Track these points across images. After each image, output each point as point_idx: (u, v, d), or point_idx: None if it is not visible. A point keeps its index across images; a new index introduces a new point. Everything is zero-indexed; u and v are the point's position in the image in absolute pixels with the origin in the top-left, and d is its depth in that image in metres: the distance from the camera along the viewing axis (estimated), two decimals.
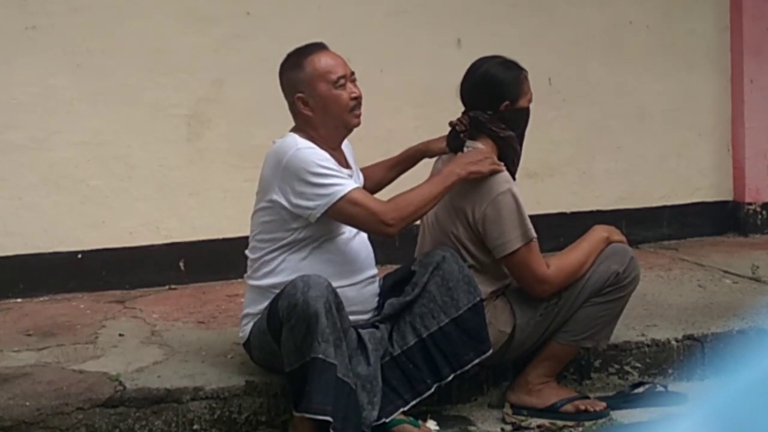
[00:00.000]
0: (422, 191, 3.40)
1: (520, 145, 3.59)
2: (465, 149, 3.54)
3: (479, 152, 3.48)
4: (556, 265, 3.51)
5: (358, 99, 3.43)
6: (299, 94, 3.42)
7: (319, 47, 3.47)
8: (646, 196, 5.73)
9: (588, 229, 3.68)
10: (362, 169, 3.72)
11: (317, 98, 3.40)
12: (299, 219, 3.34)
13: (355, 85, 3.45)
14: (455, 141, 3.57)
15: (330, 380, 3.09)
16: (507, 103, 3.50)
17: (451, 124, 3.59)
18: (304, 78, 3.41)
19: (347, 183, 3.32)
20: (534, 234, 3.46)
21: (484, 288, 3.49)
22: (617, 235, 3.66)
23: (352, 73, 3.46)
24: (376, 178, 3.75)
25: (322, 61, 3.42)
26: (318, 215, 3.30)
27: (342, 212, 3.30)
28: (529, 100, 3.57)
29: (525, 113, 3.56)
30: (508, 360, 3.62)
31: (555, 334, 3.57)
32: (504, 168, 3.48)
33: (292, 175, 3.29)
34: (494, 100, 3.50)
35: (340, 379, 3.12)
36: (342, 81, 3.40)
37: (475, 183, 3.46)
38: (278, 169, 3.32)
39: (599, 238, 3.60)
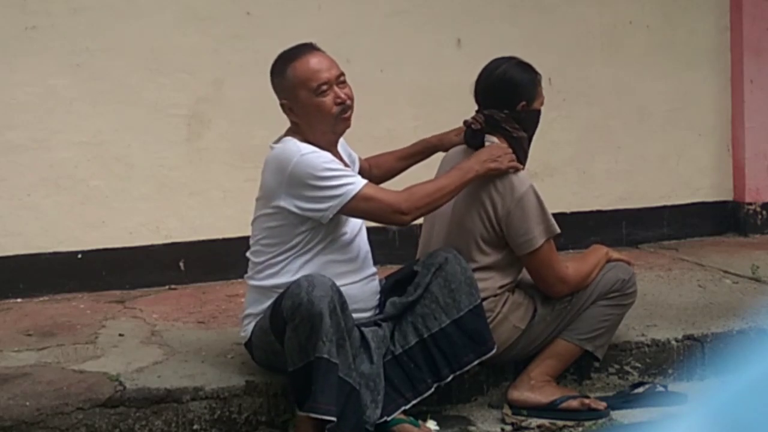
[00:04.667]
0: (438, 183, 3.42)
1: (528, 147, 3.64)
2: (485, 144, 3.56)
3: (498, 148, 3.51)
4: (573, 267, 3.62)
5: (344, 103, 3.35)
6: (283, 101, 3.40)
7: (305, 50, 3.41)
8: (646, 196, 5.73)
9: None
10: (372, 158, 3.74)
11: (300, 106, 3.36)
12: (308, 222, 3.33)
13: (344, 88, 3.37)
14: (473, 139, 3.58)
15: (333, 380, 3.10)
16: (524, 103, 3.55)
17: (465, 123, 3.61)
18: (287, 86, 3.38)
19: (357, 181, 3.31)
20: (557, 229, 3.53)
21: (494, 283, 3.54)
22: (617, 253, 3.79)
23: (340, 75, 3.38)
24: (386, 167, 3.73)
25: (304, 67, 3.35)
26: (330, 216, 3.30)
27: (356, 209, 3.31)
28: (541, 103, 3.64)
29: (537, 115, 3.63)
30: (513, 357, 3.64)
31: (561, 333, 3.63)
32: (522, 166, 3.55)
33: (300, 182, 3.27)
34: (511, 100, 3.55)
35: (342, 379, 3.13)
36: (324, 87, 3.33)
37: (496, 181, 3.49)
38: (283, 177, 3.29)
39: (602, 252, 3.74)
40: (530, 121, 3.60)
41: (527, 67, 3.61)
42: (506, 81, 3.55)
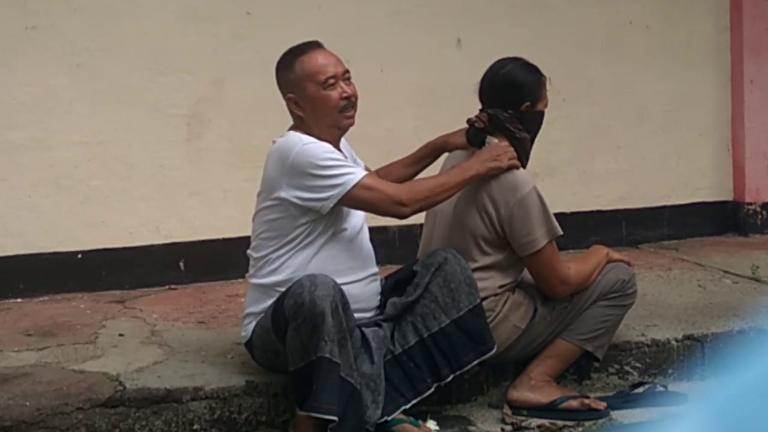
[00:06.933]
0: (439, 180, 3.44)
1: (531, 148, 3.65)
2: (486, 143, 3.56)
3: (498, 147, 3.52)
4: (574, 268, 3.62)
5: (349, 98, 3.40)
6: (290, 95, 3.43)
7: (312, 46, 3.46)
8: (646, 196, 5.73)
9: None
10: (381, 169, 3.73)
11: (307, 99, 3.39)
12: (309, 213, 3.34)
13: (349, 84, 3.42)
14: (476, 137, 3.59)
15: (335, 380, 3.11)
16: (528, 104, 3.56)
17: (469, 121, 3.61)
18: (294, 79, 3.41)
19: (357, 171, 3.33)
20: (559, 230, 3.53)
21: (494, 283, 3.54)
22: (617, 254, 3.79)
23: (345, 72, 3.43)
24: (395, 174, 3.71)
25: (312, 61, 3.40)
26: (331, 206, 3.30)
27: (356, 199, 3.32)
28: (545, 105, 3.65)
29: (541, 117, 3.64)
30: (513, 357, 3.64)
31: (561, 333, 3.63)
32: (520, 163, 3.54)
33: (301, 171, 3.29)
34: (515, 100, 3.55)
35: (344, 379, 3.14)
36: (331, 81, 3.38)
37: (498, 182, 3.49)
38: (284, 167, 3.31)
39: (603, 253, 3.74)
40: (533, 122, 3.60)
41: (533, 69, 3.62)
42: (511, 81, 3.56)
